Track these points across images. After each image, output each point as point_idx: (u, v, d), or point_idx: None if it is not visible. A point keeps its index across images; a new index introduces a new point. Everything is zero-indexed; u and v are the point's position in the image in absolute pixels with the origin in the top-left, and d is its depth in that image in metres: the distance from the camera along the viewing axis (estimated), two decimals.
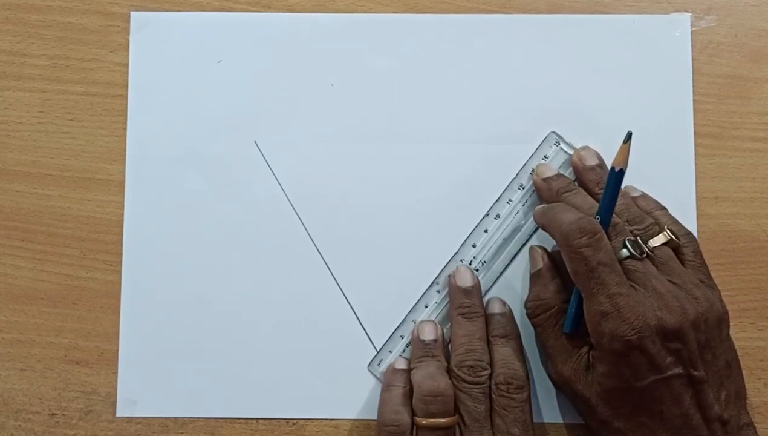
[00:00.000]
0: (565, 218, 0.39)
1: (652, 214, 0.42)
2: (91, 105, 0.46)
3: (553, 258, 0.42)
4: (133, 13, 0.47)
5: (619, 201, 0.41)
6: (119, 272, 0.45)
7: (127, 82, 0.46)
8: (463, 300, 0.42)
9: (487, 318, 0.43)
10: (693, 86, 0.45)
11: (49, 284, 0.45)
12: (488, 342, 0.42)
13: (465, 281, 0.43)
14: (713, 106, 0.45)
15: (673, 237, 0.40)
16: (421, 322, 0.43)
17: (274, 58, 0.46)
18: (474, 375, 0.40)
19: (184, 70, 0.46)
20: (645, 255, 0.39)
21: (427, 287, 0.44)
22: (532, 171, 0.44)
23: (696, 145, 0.45)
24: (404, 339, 0.44)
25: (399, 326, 0.44)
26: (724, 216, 0.45)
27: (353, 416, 0.44)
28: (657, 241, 0.40)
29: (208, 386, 0.44)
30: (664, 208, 0.43)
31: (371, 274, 0.45)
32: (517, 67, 0.46)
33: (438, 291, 0.44)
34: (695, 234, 0.44)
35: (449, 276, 0.43)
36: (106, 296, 0.45)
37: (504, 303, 0.43)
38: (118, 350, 0.45)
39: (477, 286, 0.43)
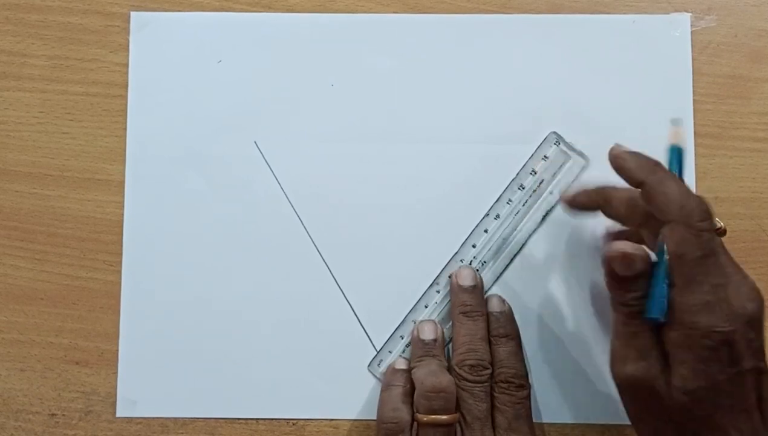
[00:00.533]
0: (684, 189, 0.36)
1: None
2: (91, 105, 0.46)
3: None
4: (133, 13, 0.47)
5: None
6: (119, 272, 0.45)
7: (127, 82, 0.46)
8: (465, 299, 0.42)
9: (487, 316, 0.42)
10: (693, 86, 0.45)
11: (49, 284, 0.45)
12: (489, 341, 0.42)
13: (467, 280, 0.43)
14: (713, 106, 0.45)
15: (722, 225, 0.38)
16: (421, 322, 0.43)
17: (274, 58, 0.46)
18: (475, 374, 0.40)
19: (184, 70, 0.46)
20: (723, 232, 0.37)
21: (427, 287, 0.44)
22: (533, 171, 0.44)
23: (696, 145, 0.45)
24: (404, 339, 0.44)
25: (399, 326, 0.44)
26: (724, 216, 0.45)
27: (353, 416, 0.44)
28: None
29: (208, 386, 0.44)
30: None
31: (371, 274, 0.45)
32: (517, 67, 0.46)
33: (438, 291, 0.44)
34: None
35: (451, 275, 0.43)
36: (106, 296, 0.45)
37: (504, 301, 0.43)
38: (118, 350, 0.45)
39: (479, 285, 0.43)
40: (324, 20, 0.46)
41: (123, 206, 0.46)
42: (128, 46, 0.46)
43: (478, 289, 0.43)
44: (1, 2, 0.47)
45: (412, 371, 0.42)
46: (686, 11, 0.46)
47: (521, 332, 0.43)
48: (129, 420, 0.44)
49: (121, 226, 0.45)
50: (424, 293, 0.44)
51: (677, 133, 0.38)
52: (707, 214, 0.35)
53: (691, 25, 0.46)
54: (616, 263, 0.36)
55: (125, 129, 0.46)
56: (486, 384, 0.40)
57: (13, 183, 0.46)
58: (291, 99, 0.46)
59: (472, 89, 0.46)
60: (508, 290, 0.44)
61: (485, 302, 0.43)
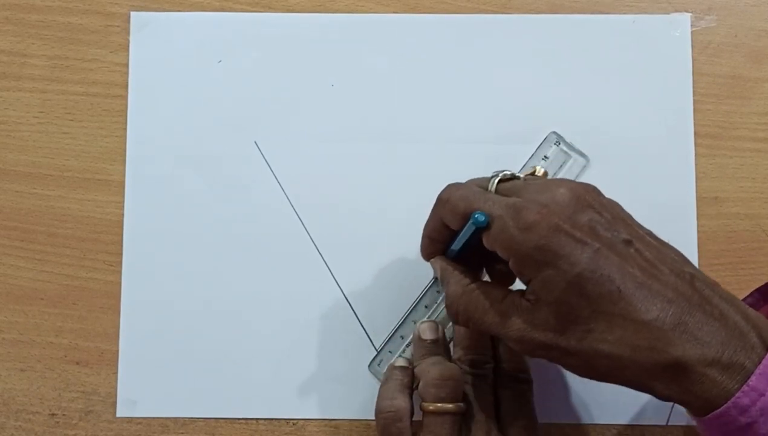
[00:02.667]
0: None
1: None
2: (91, 105, 0.46)
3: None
4: (133, 14, 0.47)
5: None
6: (119, 272, 0.45)
7: (127, 82, 0.46)
8: None
9: None
10: (693, 86, 0.45)
11: (49, 284, 0.45)
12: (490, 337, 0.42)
13: None
14: (713, 106, 0.45)
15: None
16: (422, 323, 0.43)
17: (274, 58, 0.46)
18: (478, 368, 0.40)
19: (184, 70, 0.46)
20: (509, 176, 0.37)
21: (427, 287, 0.44)
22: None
23: (696, 145, 0.45)
24: (405, 339, 0.44)
25: (399, 326, 0.44)
26: (724, 216, 0.45)
27: (353, 416, 0.44)
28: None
29: (208, 386, 0.44)
30: None
31: (371, 274, 0.45)
32: (517, 67, 0.46)
33: (438, 291, 0.44)
34: (695, 234, 0.45)
35: None
36: (106, 296, 0.45)
37: None
38: (118, 350, 0.45)
39: None
40: (324, 20, 0.46)
41: (123, 206, 0.45)
42: (128, 46, 0.46)
43: None
44: (1, 2, 0.47)
45: (415, 368, 0.41)
46: (686, 11, 0.46)
47: None
48: (129, 420, 0.44)
49: (121, 226, 0.45)
50: (425, 292, 0.44)
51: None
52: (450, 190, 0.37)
53: (691, 25, 0.46)
54: None
55: (125, 129, 0.46)
56: (489, 378, 0.40)
57: (13, 183, 0.46)
58: (291, 99, 0.46)
59: (472, 89, 0.46)
60: None
61: None
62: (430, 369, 0.40)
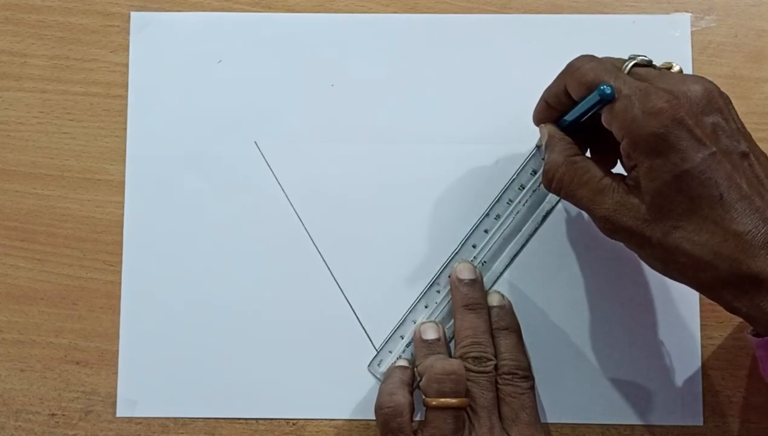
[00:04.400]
0: (583, 63, 0.37)
1: None
2: (91, 105, 0.46)
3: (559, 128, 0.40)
4: (133, 14, 0.47)
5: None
6: (119, 272, 0.45)
7: (127, 82, 0.46)
8: (466, 292, 0.42)
9: (488, 311, 0.43)
10: None
11: (49, 284, 0.45)
12: (491, 335, 0.42)
13: (467, 273, 0.43)
14: None
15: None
16: (422, 323, 0.43)
17: (274, 58, 0.46)
18: (480, 365, 0.40)
19: (184, 70, 0.46)
20: (646, 63, 0.37)
21: (427, 286, 0.44)
22: (533, 171, 0.44)
23: None
24: (404, 339, 0.44)
25: (399, 326, 0.44)
26: None
27: (353, 416, 0.44)
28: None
29: (208, 386, 0.44)
30: None
31: (371, 274, 0.45)
32: (518, 67, 0.46)
33: (438, 291, 0.44)
34: None
35: (451, 273, 0.43)
36: (106, 296, 0.45)
37: (503, 296, 0.43)
38: (118, 350, 0.45)
39: (479, 279, 0.43)
40: (324, 20, 0.46)
41: (123, 206, 0.45)
42: (128, 46, 0.46)
43: (478, 283, 0.43)
44: (1, 2, 0.47)
45: (417, 366, 0.42)
46: (686, 11, 0.46)
47: (523, 330, 0.43)
48: (129, 420, 0.44)
49: (121, 226, 0.45)
50: (425, 292, 0.44)
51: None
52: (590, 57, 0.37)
53: (691, 25, 0.46)
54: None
55: (125, 129, 0.46)
56: (491, 375, 0.40)
57: (13, 183, 0.46)
58: (291, 99, 0.46)
59: (472, 89, 0.46)
60: (509, 289, 0.44)
61: (485, 297, 0.43)
62: (434, 364, 0.40)
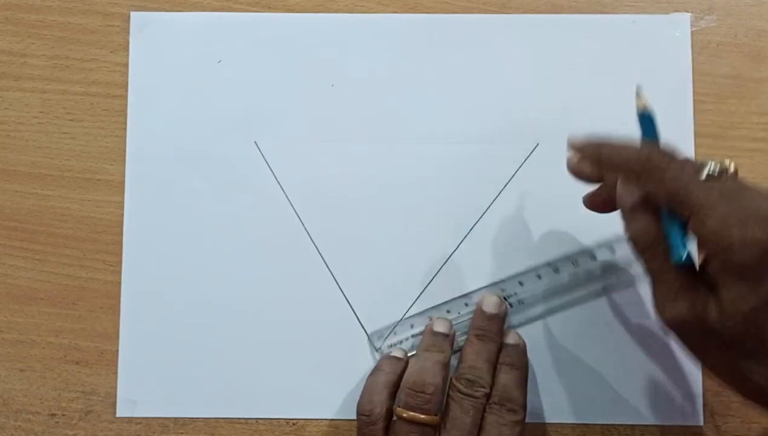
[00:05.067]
0: (632, 147, 0.36)
1: None
2: (91, 105, 0.46)
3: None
4: (133, 14, 0.47)
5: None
6: (119, 272, 0.45)
7: (127, 82, 0.46)
8: (483, 324, 0.42)
9: (501, 346, 0.42)
10: (693, 86, 0.45)
11: (49, 284, 0.45)
12: (495, 368, 0.41)
13: (491, 307, 0.42)
14: (713, 106, 0.45)
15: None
16: (438, 317, 0.43)
17: (274, 58, 0.46)
18: (470, 388, 0.40)
19: (184, 70, 0.46)
20: (725, 172, 0.34)
21: (425, 287, 0.44)
22: (593, 256, 0.44)
23: (696, 145, 0.45)
24: (413, 329, 0.44)
25: (399, 324, 0.44)
26: None
27: (353, 416, 0.44)
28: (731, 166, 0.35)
29: (208, 386, 0.44)
30: None
31: (371, 274, 0.45)
32: (517, 67, 0.46)
33: (466, 304, 0.44)
34: None
35: (479, 300, 0.43)
36: (106, 296, 0.45)
37: (519, 337, 0.42)
38: (118, 350, 0.45)
39: (501, 314, 0.42)
40: (324, 20, 0.46)
41: (123, 206, 0.46)
42: (128, 46, 0.46)
43: (499, 317, 0.42)
44: (1, 2, 0.47)
45: (411, 360, 0.41)
46: (686, 11, 0.46)
47: (523, 331, 0.43)
48: (129, 420, 0.44)
49: (121, 226, 0.45)
50: (453, 300, 0.44)
51: (644, 98, 0.38)
52: (663, 153, 0.35)
53: (691, 25, 0.46)
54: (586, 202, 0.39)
55: (125, 129, 0.46)
56: (478, 401, 0.40)
57: (13, 183, 0.46)
58: (291, 99, 0.46)
59: (472, 89, 0.46)
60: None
61: (502, 333, 0.42)
62: (412, 373, 0.40)
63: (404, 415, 0.39)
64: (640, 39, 0.46)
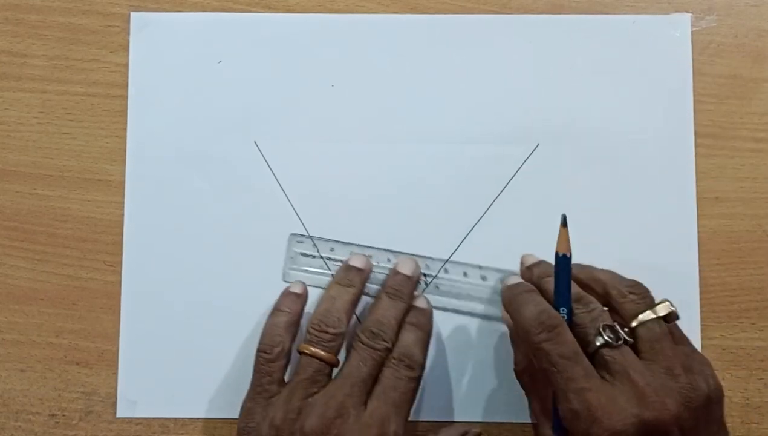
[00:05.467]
0: (526, 311, 0.38)
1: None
2: (92, 105, 0.46)
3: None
4: (133, 14, 0.47)
5: (608, 272, 0.40)
6: (119, 272, 0.45)
7: (127, 82, 0.46)
8: (396, 283, 0.42)
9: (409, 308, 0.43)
10: (693, 86, 0.45)
11: (49, 284, 0.45)
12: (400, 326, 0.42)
13: (406, 269, 0.43)
14: (713, 106, 0.45)
15: (674, 309, 0.38)
16: (355, 253, 0.44)
17: (274, 58, 0.46)
18: (371, 340, 0.40)
19: (184, 71, 0.46)
20: (621, 342, 0.36)
21: (425, 287, 0.44)
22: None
23: (696, 145, 0.45)
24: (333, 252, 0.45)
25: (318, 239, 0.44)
26: (724, 216, 0.45)
27: None
28: (657, 311, 0.37)
29: (208, 387, 0.44)
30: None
31: (371, 274, 0.45)
32: (517, 67, 0.46)
33: (389, 260, 0.44)
34: (695, 234, 0.45)
35: (395, 263, 0.44)
36: (106, 296, 0.45)
37: (429, 303, 0.43)
38: (118, 351, 0.45)
39: (415, 279, 0.43)
40: (324, 20, 0.46)
41: (123, 206, 0.46)
42: (128, 46, 0.46)
43: (412, 280, 0.43)
44: (1, 2, 0.47)
45: (323, 293, 0.43)
46: (686, 11, 0.46)
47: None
48: (129, 420, 0.44)
49: (121, 226, 0.45)
50: (379, 248, 0.44)
51: (564, 236, 0.39)
52: (544, 326, 0.36)
53: (692, 25, 0.46)
54: None
55: (125, 129, 0.46)
56: (378, 353, 0.40)
57: (13, 183, 0.46)
58: (291, 99, 0.46)
59: (471, 89, 0.46)
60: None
61: (413, 296, 0.43)
62: (318, 311, 0.41)
63: (306, 351, 0.40)
64: (640, 39, 0.46)
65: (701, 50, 0.46)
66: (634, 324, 0.37)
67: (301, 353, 0.40)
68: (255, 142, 0.46)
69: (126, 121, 0.46)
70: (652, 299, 0.38)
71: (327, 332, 0.40)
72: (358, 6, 0.46)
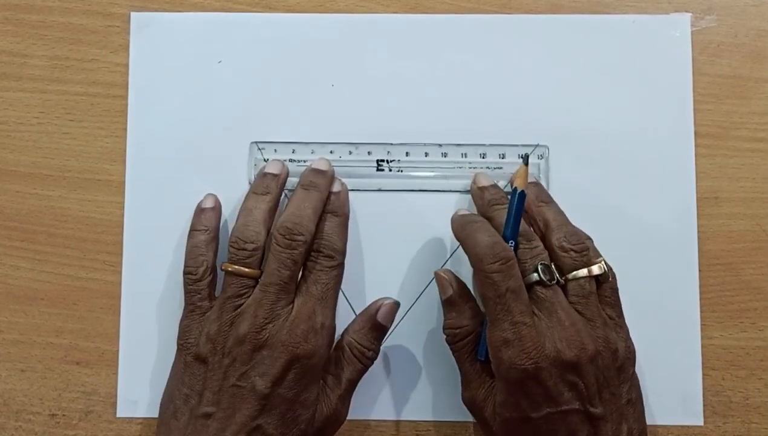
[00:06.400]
0: (481, 239, 0.39)
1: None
2: (92, 105, 0.46)
3: (462, 284, 0.42)
4: (133, 14, 0.47)
5: (558, 218, 0.41)
6: (119, 272, 0.45)
7: (127, 82, 0.46)
8: (311, 178, 0.43)
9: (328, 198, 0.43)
10: (693, 86, 0.45)
11: (49, 284, 0.45)
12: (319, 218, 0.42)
13: (320, 165, 0.44)
14: (713, 106, 0.45)
15: (607, 270, 0.40)
16: (274, 160, 0.44)
17: (274, 58, 0.46)
18: (288, 237, 0.40)
19: (184, 71, 0.46)
20: (555, 282, 0.39)
21: (425, 287, 0.44)
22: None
23: (696, 145, 0.45)
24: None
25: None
26: (724, 216, 0.45)
27: (353, 416, 0.44)
28: (592, 271, 0.40)
29: None
30: (590, 238, 0.42)
31: (371, 274, 0.45)
32: (517, 67, 0.46)
33: (350, 152, 0.45)
34: (695, 234, 0.45)
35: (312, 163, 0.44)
36: (106, 296, 0.45)
37: (343, 183, 0.44)
38: (118, 351, 0.45)
39: (330, 174, 0.44)
40: (324, 20, 0.46)
41: (123, 206, 0.46)
42: (128, 46, 0.46)
43: (327, 174, 0.43)
44: (1, 2, 0.47)
45: (241, 206, 0.43)
46: (686, 11, 0.46)
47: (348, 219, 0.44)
48: (129, 420, 0.44)
49: (121, 226, 0.45)
50: (341, 143, 0.45)
51: (523, 172, 0.40)
52: (498, 258, 0.38)
53: (692, 25, 0.46)
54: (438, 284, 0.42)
55: (125, 129, 0.46)
56: (296, 252, 0.40)
57: (14, 183, 0.46)
58: (291, 99, 0.46)
59: (472, 89, 0.46)
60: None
61: (329, 188, 0.43)
62: (237, 227, 0.42)
63: (229, 269, 0.41)
64: (640, 39, 0.46)
65: (701, 50, 0.46)
66: (568, 277, 0.39)
67: (224, 271, 0.41)
68: (255, 142, 0.46)
69: (126, 121, 0.46)
70: (589, 257, 0.40)
71: (245, 249, 0.41)
72: (358, 6, 0.46)
